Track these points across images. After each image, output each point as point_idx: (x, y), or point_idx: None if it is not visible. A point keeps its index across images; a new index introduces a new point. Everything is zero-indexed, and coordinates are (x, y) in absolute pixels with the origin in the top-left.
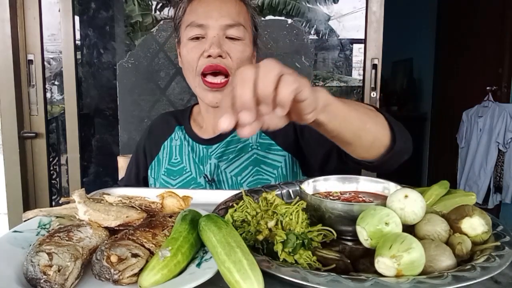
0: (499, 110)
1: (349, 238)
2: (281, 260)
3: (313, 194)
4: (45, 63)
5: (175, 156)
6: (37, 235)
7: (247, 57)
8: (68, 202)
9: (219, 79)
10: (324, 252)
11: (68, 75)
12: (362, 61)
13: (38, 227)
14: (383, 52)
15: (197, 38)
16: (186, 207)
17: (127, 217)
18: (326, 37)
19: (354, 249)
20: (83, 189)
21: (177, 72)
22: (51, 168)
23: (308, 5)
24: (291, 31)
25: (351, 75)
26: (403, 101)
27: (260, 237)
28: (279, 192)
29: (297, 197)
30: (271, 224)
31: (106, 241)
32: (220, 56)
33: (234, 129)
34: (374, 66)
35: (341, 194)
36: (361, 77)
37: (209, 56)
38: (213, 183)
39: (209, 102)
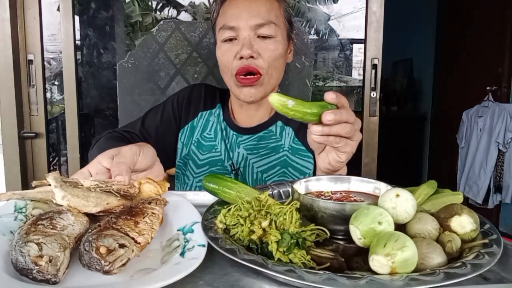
0: (499, 110)
1: (341, 237)
2: (275, 259)
3: (305, 194)
4: (45, 63)
5: (209, 131)
6: (15, 219)
7: (279, 55)
8: (41, 186)
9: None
10: (318, 251)
11: (68, 75)
12: (362, 61)
13: (15, 211)
14: (383, 52)
15: (230, 39)
16: (163, 193)
17: (107, 204)
18: (326, 37)
19: (348, 248)
20: (57, 171)
21: (177, 72)
22: (51, 168)
23: (308, 5)
24: None
25: (351, 75)
26: (403, 101)
27: (254, 237)
28: (271, 192)
29: (290, 197)
30: (265, 224)
31: (91, 230)
32: (252, 57)
33: (268, 125)
34: (374, 66)
35: (332, 194)
36: (361, 77)
37: (241, 57)
38: (239, 172)
39: (244, 97)
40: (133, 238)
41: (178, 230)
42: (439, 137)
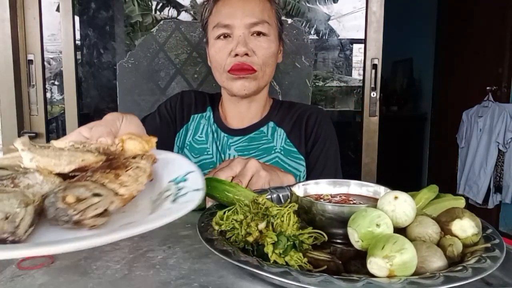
0: (499, 110)
1: (339, 241)
2: (271, 261)
3: (303, 197)
4: (45, 63)
5: (200, 134)
6: None
7: (272, 53)
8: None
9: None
10: (315, 254)
11: (68, 75)
12: (362, 61)
13: None
14: (383, 52)
15: (224, 37)
16: (150, 149)
17: (82, 160)
18: (326, 37)
19: (345, 251)
20: (27, 136)
21: (177, 72)
22: None
23: (308, 5)
24: (291, 31)
25: (351, 75)
26: (403, 101)
27: (251, 239)
28: (269, 196)
29: (288, 200)
30: (261, 226)
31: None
32: (247, 54)
33: (259, 126)
34: (374, 66)
35: (331, 197)
36: (361, 77)
37: (236, 55)
38: None
39: (237, 90)
40: (112, 190)
41: (169, 182)
42: (439, 137)
